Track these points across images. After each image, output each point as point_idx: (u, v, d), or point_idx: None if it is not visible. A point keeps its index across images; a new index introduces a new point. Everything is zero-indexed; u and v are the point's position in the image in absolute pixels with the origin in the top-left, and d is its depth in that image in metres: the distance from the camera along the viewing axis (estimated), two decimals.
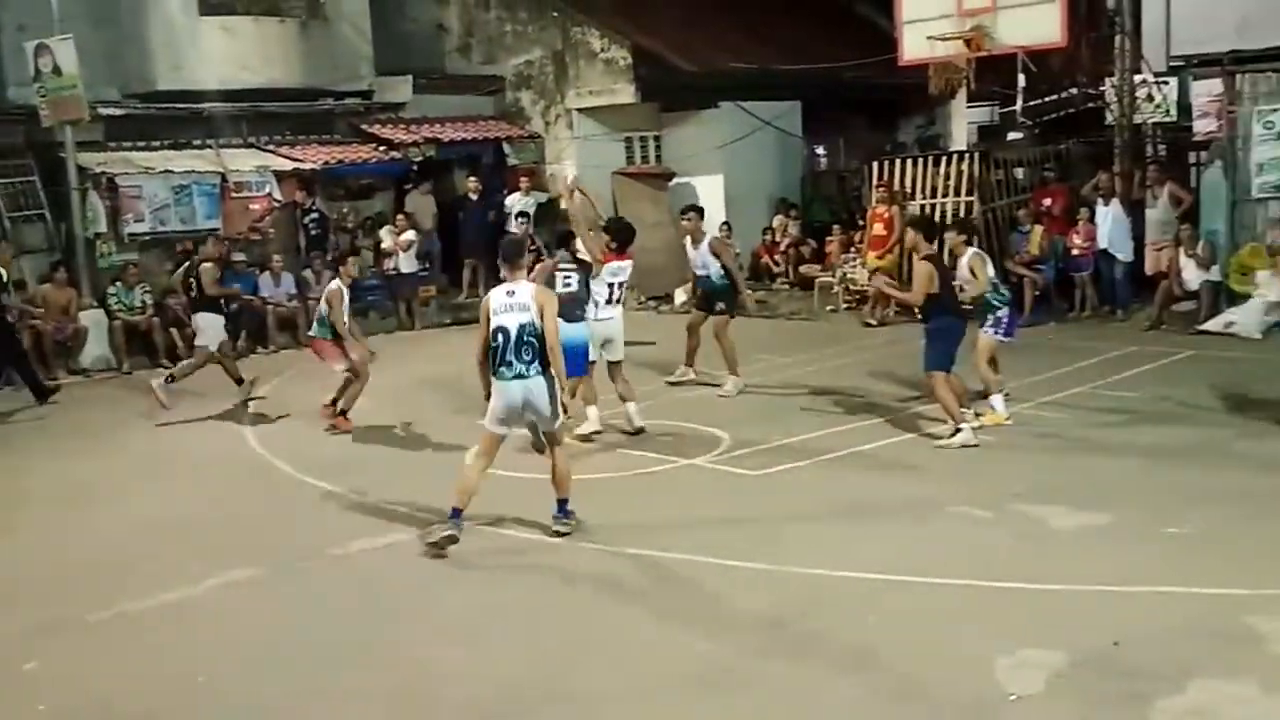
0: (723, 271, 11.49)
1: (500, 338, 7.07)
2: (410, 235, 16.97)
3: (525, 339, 7.06)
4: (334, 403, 10.84)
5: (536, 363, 7.10)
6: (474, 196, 18.11)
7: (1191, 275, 13.72)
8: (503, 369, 7.10)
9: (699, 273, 11.93)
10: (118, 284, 14.78)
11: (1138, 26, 15.70)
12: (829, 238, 17.52)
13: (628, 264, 10.19)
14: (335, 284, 10.93)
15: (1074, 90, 19.42)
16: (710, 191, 18.93)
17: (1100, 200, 14.58)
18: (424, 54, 20.50)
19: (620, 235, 10.23)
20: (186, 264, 12.49)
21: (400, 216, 17.20)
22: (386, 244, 16.91)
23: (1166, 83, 15.55)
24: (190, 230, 15.54)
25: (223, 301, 12.19)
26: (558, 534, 7.38)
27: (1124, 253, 14.43)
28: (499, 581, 6.76)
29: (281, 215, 16.67)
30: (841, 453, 9.01)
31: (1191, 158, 15.70)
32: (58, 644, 6.22)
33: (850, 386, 11.28)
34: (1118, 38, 15.72)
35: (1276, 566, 6.27)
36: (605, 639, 5.89)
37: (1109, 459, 8.55)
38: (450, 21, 20.76)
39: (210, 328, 11.76)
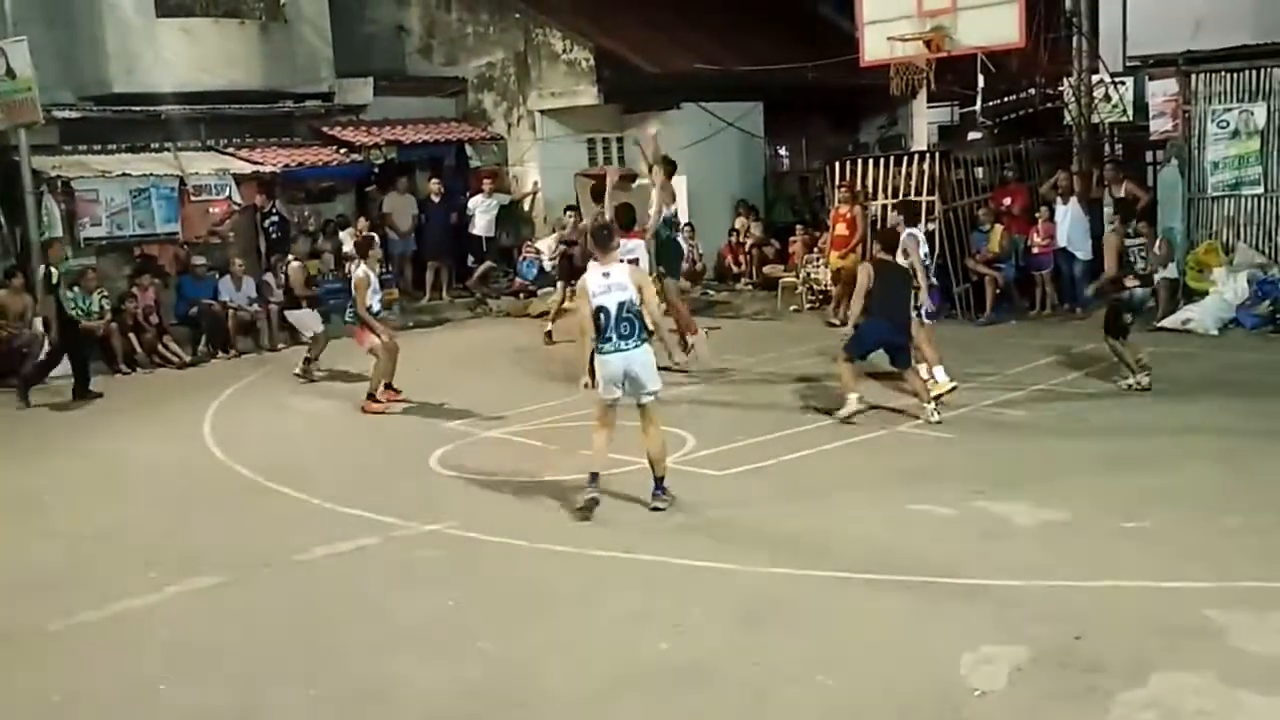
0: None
1: (603, 317, 7.66)
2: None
3: (624, 315, 7.66)
4: (390, 386, 11.64)
5: (634, 337, 7.70)
6: (436, 199, 18.06)
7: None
8: (604, 344, 7.71)
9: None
10: (75, 289, 14.56)
11: (1095, 27, 15.88)
12: (792, 238, 17.59)
13: (635, 243, 11.06)
14: (361, 270, 11.61)
15: (1032, 90, 19.60)
16: None
17: (1059, 199, 14.72)
18: (385, 56, 20.41)
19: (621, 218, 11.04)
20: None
21: (361, 219, 17.09)
22: (348, 247, 16.79)
23: (1123, 83, 15.74)
24: (148, 234, 15.38)
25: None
26: (655, 509, 7.79)
27: (1083, 251, 14.57)
28: (460, 587, 6.72)
29: (242, 219, 16.51)
30: (805, 452, 9.04)
31: (1148, 157, 15.89)
32: (15, 653, 6.14)
33: (814, 387, 11.32)
34: (1075, 38, 15.89)
35: (1234, 560, 6.35)
36: (567, 641, 5.87)
37: (1070, 456, 8.63)
38: (411, 23, 20.69)
39: (308, 317, 13.51)
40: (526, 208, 19.43)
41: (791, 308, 16.46)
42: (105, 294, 14.67)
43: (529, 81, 19.26)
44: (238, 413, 11.93)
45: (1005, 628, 5.58)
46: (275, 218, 16.68)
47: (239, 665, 5.82)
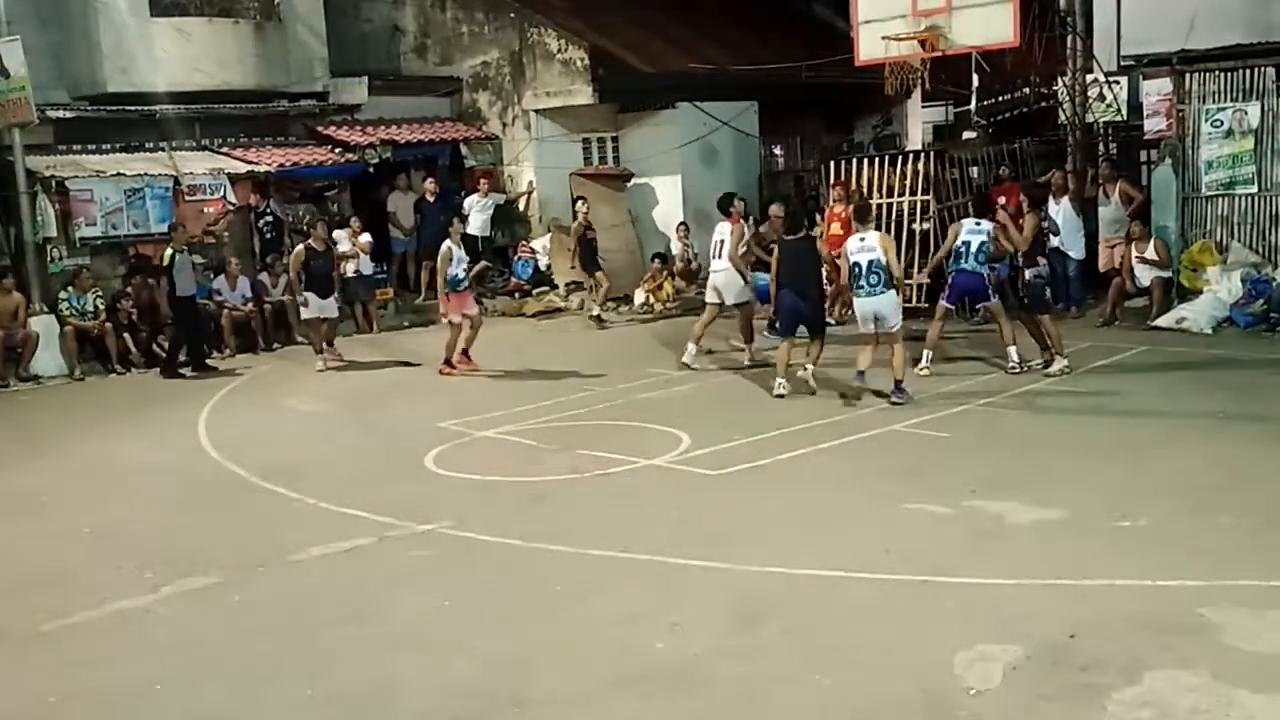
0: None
1: (857, 270, 10.34)
2: (368, 238, 16.86)
3: (873, 269, 10.28)
4: (465, 353, 12.96)
5: (880, 285, 10.29)
6: (431, 198, 18.04)
7: (1143, 272, 13.94)
8: (858, 290, 10.43)
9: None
10: (70, 289, 14.57)
11: (1089, 27, 15.90)
12: None
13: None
14: (445, 244, 12.93)
15: (1027, 90, 19.65)
16: (668, 192, 18.99)
17: (1052, 198, 14.74)
18: (380, 55, 20.39)
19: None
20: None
21: (355, 219, 17.07)
22: (344, 247, 16.77)
23: (1117, 82, 15.76)
24: (143, 234, 15.36)
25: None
26: (894, 403, 10.17)
27: (1076, 250, 14.60)
28: (455, 586, 6.72)
29: (236, 218, 16.50)
30: (801, 451, 9.05)
31: (1142, 156, 15.93)
32: (11, 653, 6.14)
33: (808, 385, 11.31)
34: (1069, 38, 15.92)
35: (1228, 559, 6.36)
36: (563, 641, 5.87)
37: (1063, 454, 8.64)
38: (406, 22, 20.65)
39: (312, 302, 13.70)
40: (522, 207, 19.43)
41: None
42: (100, 294, 14.69)
43: (524, 81, 19.25)
44: (233, 412, 11.92)
45: (1000, 626, 5.59)
46: (270, 217, 16.67)
47: (235, 665, 5.81)
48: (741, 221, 12.81)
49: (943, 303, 11.78)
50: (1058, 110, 16.43)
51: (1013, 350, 11.30)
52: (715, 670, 5.40)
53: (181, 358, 14.15)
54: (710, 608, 6.12)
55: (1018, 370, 11.21)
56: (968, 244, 11.21)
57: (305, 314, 13.96)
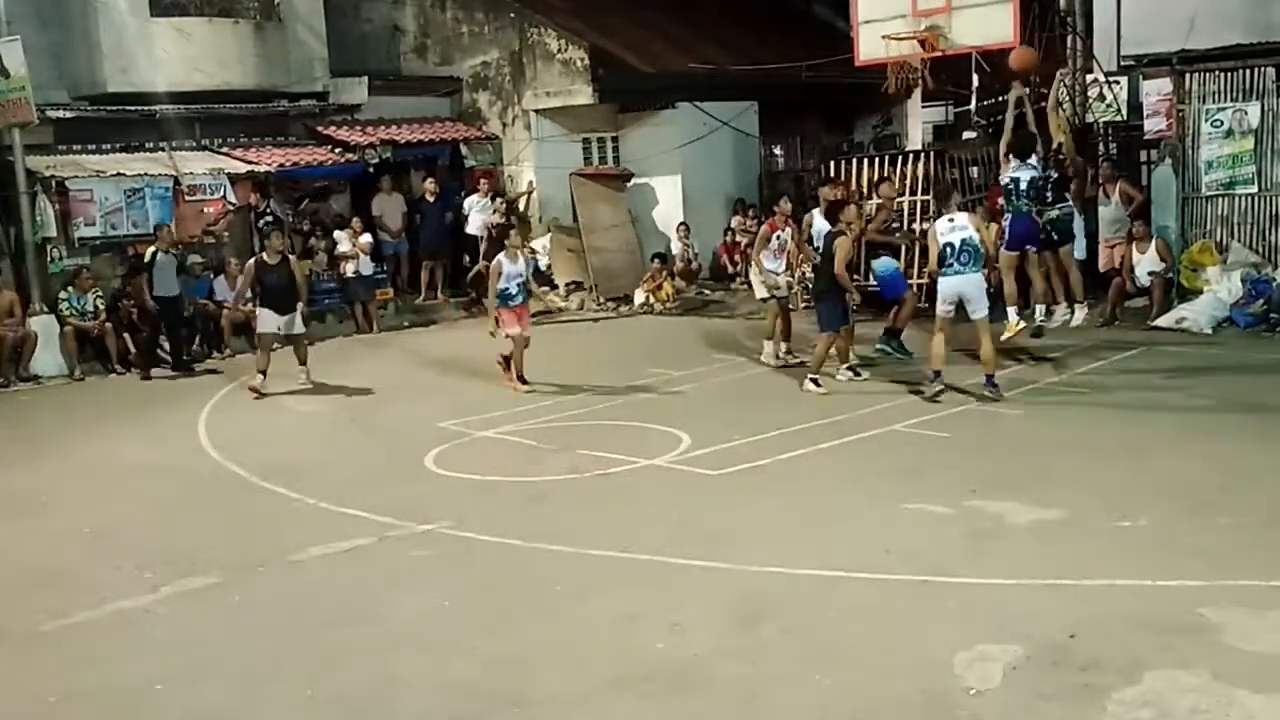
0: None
1: (949, 250, 10.28)
2: (369, 238, 16.87)
3: (964, 248, 10.26)
4: (506, 360, 12.07)
5: (971, 264, 10.27)
6: (431, 198, 18.05)
7: (1143, 271, 13.93)
8: (947, 269, 10.32)
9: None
10: (69, 289, 14.57)
11: (1089, 27, 15.90)
12: None
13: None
14: (498, 258, 12.16)
15: (1027, 89, 19.58)
16: (668, 192, 18.99)
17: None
18: (380, 55, 20.39)
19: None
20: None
21: (355, 220, 17.08)
22: (344, 247, 16.79)
23: (1118, 82, 15.75)
24: (143, 234, 15.36)
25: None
26: (986, 398, 10.13)
27: (1077, 250, 14.58)
28: (455, 586, 6.72)
29: (236, 218, 16.51)
30: (801, 451, 9.05)
31: (1142, 156, 15.92)
32: (11, 653, 6.13)
33: (808, 385, 11.32)
34: (1069, 38, 15.91)
35: (1229, 558, 6.36)
36: (563, 641, 5.87)
37: (1063, 454, 8.64)
38: (406, 22, 20.66)
39: (267, 318, 12.56)
40: (522, 207, 19.43)
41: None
42: (100, 294, 14.69)
43: (524, 81, 19.26)
44: (232, 412, 11.92)
45: (1000, 626, 5.59)
46: (270, 217, 16.66)
47: (235, 665, 5.81)
48: (781, 222, 12.94)
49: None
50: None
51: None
52: (715, 670, 5.40)
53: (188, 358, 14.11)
54: (710, 608, 6.12)
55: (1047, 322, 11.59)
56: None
57: (261, 328, 12.68)
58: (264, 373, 12.36)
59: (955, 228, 10.36)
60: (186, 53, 16.69)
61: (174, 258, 14.20)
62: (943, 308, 10.46)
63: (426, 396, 12.00)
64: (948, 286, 10.35)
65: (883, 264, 13.32)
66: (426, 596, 6.56)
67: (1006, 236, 11.36)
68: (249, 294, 13.14)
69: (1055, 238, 11.52)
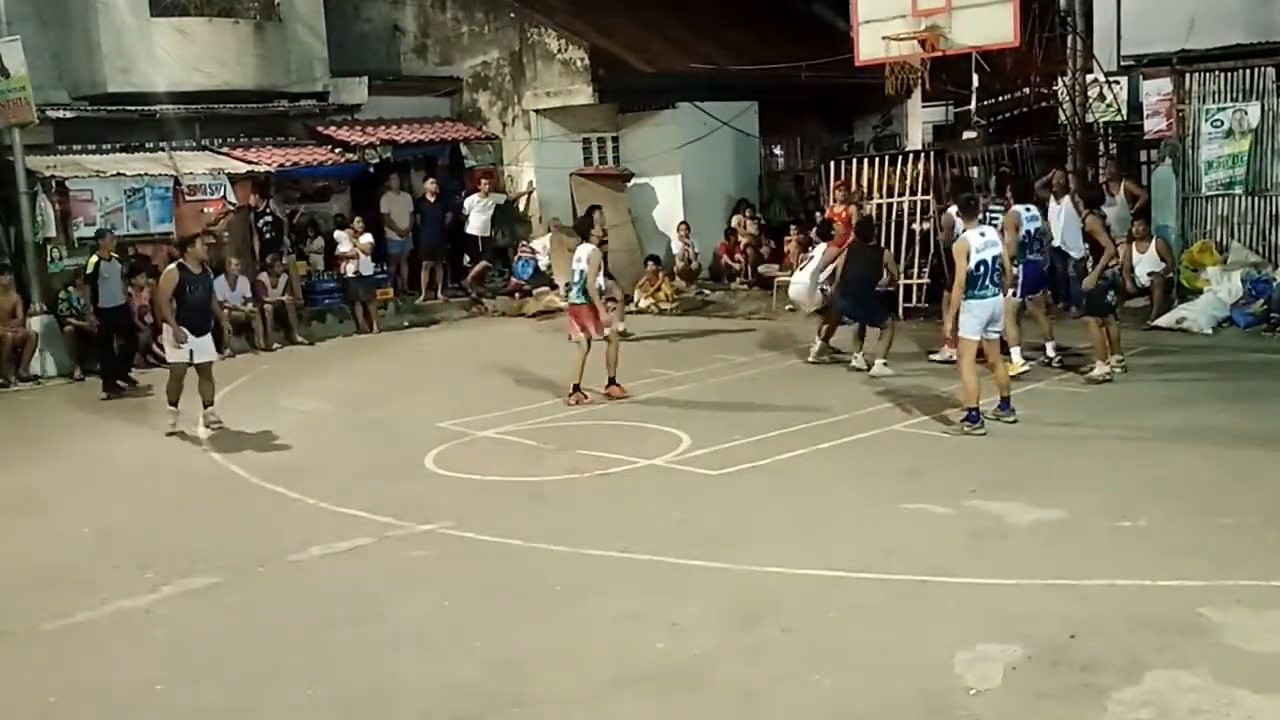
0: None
1: (982, 268, 9.16)
2: (369, 238, 16.87)
3: (996, 266, 9.27)
4: (611, 380, 11.25)
5: (998, 283, 9.31)
6: (431, 198, 18.05)
7: (1143, 271, 13.93)
8: (984, 290, 9.20)
9: None
10: (70, 289, 14.57)
11: (1089, 27, 15.90)
12: (787, 237, 17.60)
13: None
14: (591, 248, 11.10)
15: (1027, 90, 19.64)
16: (668, 192, 18.99)
17: (1052, 198, 14.72)
18: (380, 55, 20.39)
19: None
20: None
21: (357, 219, 17.08)
22: (344, 247, 16.79)
23: (1118, 82, 15.76)
24: (143, 234, 15.36)
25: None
26: (1004, 419, 9.35)
27: (1077, 249, 14.56)
28: (455, 586, 6.72)
29: (236, 218, 16.50)
30: (800, 451, 9.05)
31: (1142, 156, 15.92)
32: (11, 653, 6.14)
33: (808, 385, 11.33)
34: (1069, 38, 15.91)
35: (1229, 558, 6.36)
36: (563, 641, 5.87)
37: (1064, 454, 8.64)
38: (406, 22, 20.65)
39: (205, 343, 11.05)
40: (522, 207, 19.44)
41: (787, 307, 16.44)
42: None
43: (524, 81, 19.25)
44: (232, 412, 11.89)
45: (1000, 626, 5.59)
46: (270, 217, 16.67)
47: (235, 665, 5.81)
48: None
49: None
50: (1058, 110, 16.42)
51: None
52: (715, 670, 5.40)
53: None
54: (710, 608, 6.11)
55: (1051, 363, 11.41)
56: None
57: (171, 356, 10.84)
58: (176, 404, 10.83)
59: (988, 243, 9.29)
60: (186, 53, 16.69)
61: (118, 266, 13.38)
62: (977, 334, 9.26)
63: (426, 396, 12.00)
64: (984, 310, 9.24)
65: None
66: (426, 596, 6.56)
67: (1020, 284, 11.13)
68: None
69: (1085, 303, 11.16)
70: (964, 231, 9.49)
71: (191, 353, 10.75)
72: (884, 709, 4.97)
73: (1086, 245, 11.59)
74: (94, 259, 13.07)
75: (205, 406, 10.94)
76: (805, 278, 12.87)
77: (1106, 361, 10.77)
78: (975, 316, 9.24)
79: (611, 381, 11.23)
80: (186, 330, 10.62)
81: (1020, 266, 11.10)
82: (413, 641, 5.97)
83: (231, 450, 10.18)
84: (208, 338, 10.91)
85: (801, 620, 5.92)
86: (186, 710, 5.40)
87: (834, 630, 5.77)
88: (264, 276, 15.98)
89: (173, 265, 10.99)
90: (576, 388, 11.08)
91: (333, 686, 5.50)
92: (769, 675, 5.32)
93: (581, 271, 11.12)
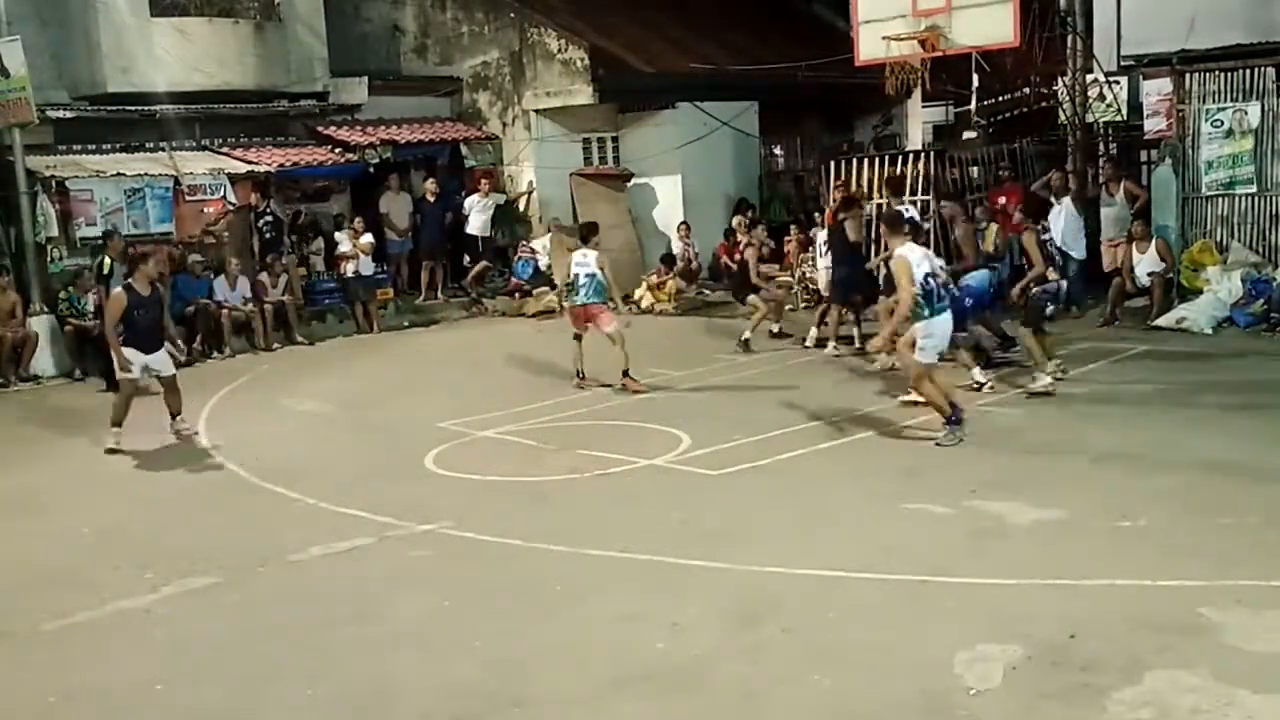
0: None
1: (931, 281, 8.79)
2: (369, 238, 16.87)
3: (942, 279, 9.02)
4: (624, 372, 11.51)
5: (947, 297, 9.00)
6: (431, 198, 18.05)
7: (1143, 271, 13.94)
8: (941, 304, 8.89)
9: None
10: (70, 289, 14.57)
11: (1089, 27, 15.90)
12: (787, 237, 17.59)
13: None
14: (598, 254, 11.65)
15: (1027, 90, 19.64)
16: (668, 192, 18.99)
17: (1053, 198, 14.74)
18: (380, 55, 20.39)
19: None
20: None
21: (357, 219, 17.08)
22: (344, 247, 16.79)
23: (1118, 82, 15.76)
24: (143, 234, 15.36)
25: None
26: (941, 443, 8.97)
27: (1077, 250, 14.58)
28: (455, 586, 6.73)
29: (236, 218, 16.50)
30: (800, 451, 9.05)
31: (1142, 156, 15.92)
32: (11, 653, 6.14)
33: (808, 385, 11.33)
34: (1069, 38, 15.91)
35: (1229, 558, 6.36)
36: (563, 641, 5.87)
37: (1064, 454, 8.63)
38: (406, 22, 20.65)
39: (134, 360, 10.55)
40: (522, 207, 19.43)
41: (787, 307, 16.44)
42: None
43: (524, 81, 19.25)
44: (233, 412, 11.91)
45: (1000, 626, 5.59)
46: (270, 217, 16.67)
47: (235, 665, 5.81)
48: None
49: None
50: (1058, 110, 16.42)
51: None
52: (715, 670, 5.40)
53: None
54: (710, 608, 6.11)
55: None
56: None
57: (120, 375, 10.54)
58: (120, 424, 10.44)
59: (926, 255, 9.15)
60: (186, 53, 16.68)
61: (121, 266, 12.88)
62: (933, 356, 9.03)
63: (426, 396, 12.00)
64: (943, 328, 9.04)
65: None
66: (426, 596, 6.56)
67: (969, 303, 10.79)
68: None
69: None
70: (899, 249, 9.01)
71: (146, 369, 10.63)
72: (884, 709, 4.97)
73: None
74: (106, 259, 13.22)
75: (173, 417, 10.81)
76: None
77: (1046, 372, 10.44)
78: (935, 338, 8.93)
79: (626, 374, 11.54)
80: (136, 352, 10.48)
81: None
82: (413, 641, 5.97)
83: (231, 450, 10.18)
84: (161, 352, 10.70)
85: (801, 620, 5.92)
86: (186, 710, 5.40)
87: (834, 630, 5.77)
88: (264, 276, 15.98)
89: (119, 289, 10.76)
90: (580, 373, 11.72)
91: (333, 686, 5.50)
92: (769, 675, 5.32)
93: (590, 274, 11.58)
